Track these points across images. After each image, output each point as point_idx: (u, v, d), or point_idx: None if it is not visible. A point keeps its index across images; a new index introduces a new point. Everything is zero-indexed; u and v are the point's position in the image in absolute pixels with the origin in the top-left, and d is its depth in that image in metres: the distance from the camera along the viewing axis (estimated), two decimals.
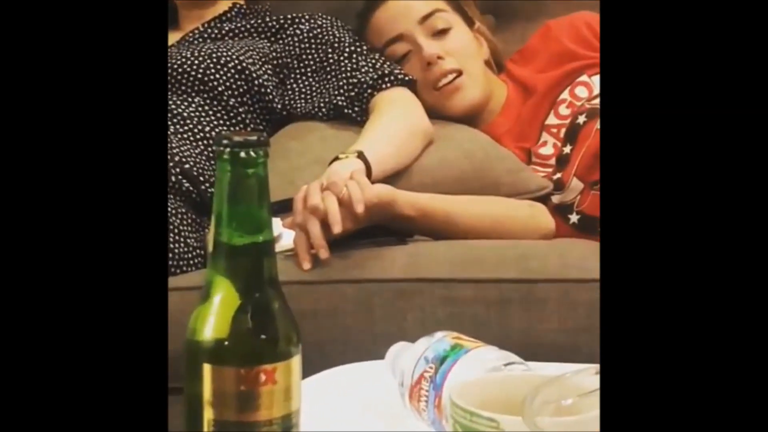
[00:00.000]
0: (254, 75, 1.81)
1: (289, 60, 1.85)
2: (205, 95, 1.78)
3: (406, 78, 1.78)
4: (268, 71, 1.83)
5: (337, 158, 1.54)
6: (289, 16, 1.90)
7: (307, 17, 1.89)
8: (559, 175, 1.72)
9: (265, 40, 1.89)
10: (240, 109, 1.80)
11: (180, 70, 1.78)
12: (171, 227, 1.56)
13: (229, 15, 1.96)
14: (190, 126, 1.74)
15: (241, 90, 1.80)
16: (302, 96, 1.82)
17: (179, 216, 1.60)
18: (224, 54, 1.80)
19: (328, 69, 1.82)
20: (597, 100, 1.78)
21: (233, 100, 1.79)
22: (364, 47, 1.84)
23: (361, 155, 1.53)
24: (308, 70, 1.84)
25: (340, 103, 1.77)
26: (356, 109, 1.76)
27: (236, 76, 1.79)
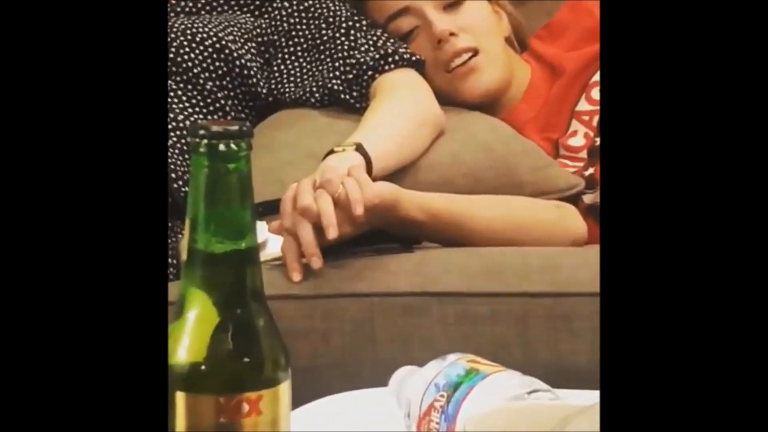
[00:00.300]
0: (235, 55, 1.81)
1: (275, 37, 1.85)
2: (179, 78, 1.78)
3: (413, 58, 1.78)
4: (252, 50, 1.84)
5: (332, 151, 1.54)
6: None
7: None
8: (591, 170, 1.72)
9: (248, 14, 1.89)
10: (219, 95, 1.80)
11: None
12: None
13: None
14: None
15: (220, 72, 1.80)
16: (291, 79, 1.83)
17: None
18: (200, 30, 1.81)
19: (322, 48, 1.83)
20: None
21: (211, 83, 1.80)
22: (364, 22, 1.84)
23: (360, 148, 1.54)
24: (298, 48, 1.84)
25: (335, 87, 1.77)
26: (354, 94, 1.77)
27: (214, 56, 1.80)
